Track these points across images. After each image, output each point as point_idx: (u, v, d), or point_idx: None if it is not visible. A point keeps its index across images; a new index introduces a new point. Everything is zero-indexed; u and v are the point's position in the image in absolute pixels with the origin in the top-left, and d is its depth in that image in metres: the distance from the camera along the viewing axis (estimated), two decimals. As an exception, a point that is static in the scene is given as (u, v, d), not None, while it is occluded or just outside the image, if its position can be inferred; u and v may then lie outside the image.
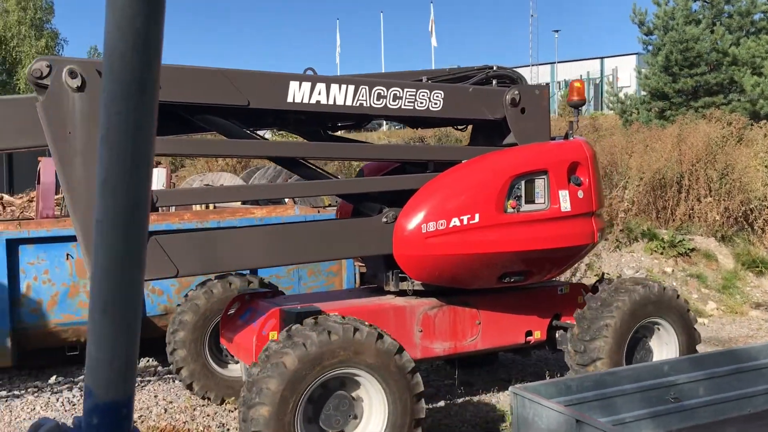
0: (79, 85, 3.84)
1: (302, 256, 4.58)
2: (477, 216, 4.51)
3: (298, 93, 4.36)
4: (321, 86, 4.43)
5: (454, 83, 5.05)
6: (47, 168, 8.20)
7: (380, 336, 4.05)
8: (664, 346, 5.17)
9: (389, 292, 5.11)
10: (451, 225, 4.49)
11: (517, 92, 4.92)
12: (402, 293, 5.07)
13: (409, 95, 4.67)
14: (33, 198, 12.75)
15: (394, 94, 4.63)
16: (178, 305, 5.90)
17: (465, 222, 4.50)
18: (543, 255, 4.78)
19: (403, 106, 4.66)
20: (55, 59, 3.89)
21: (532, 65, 42.11)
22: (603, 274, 6.28)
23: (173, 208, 7.97)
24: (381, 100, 4.59)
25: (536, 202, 4.74)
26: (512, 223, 4.62)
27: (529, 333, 5.41)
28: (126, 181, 1.02)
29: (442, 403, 5.77)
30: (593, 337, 4.85)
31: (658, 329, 5.16)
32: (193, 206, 7.74)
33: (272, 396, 3.76)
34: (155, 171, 11.30)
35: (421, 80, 5.02)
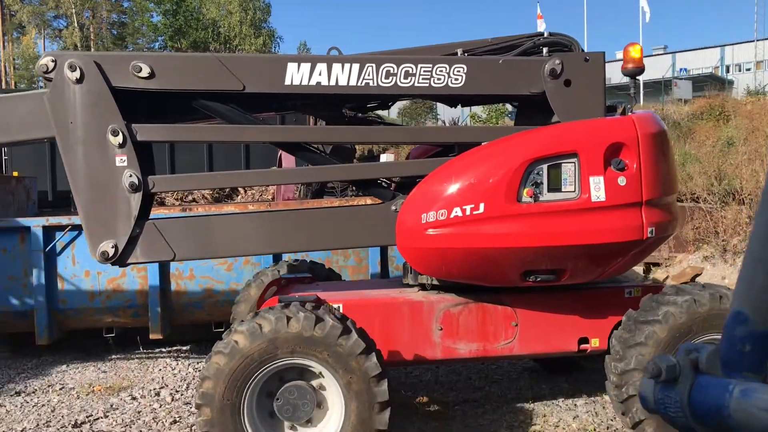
0: (78, 77, 4.02)
1: (299, 244, 4.41)
2: (481, 206, 3.98)
3: (296, 75, 4.17)
4: (321, 67, 4.19)
5: (493, 55, 4.52)
6: (287, 155, 8.79)
7: (346, 331, 3.79)
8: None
9: (411, 286, 4.75)
10: (452, 215, 4.02)
11: (558, 62, 4.25)
12: (423, 287, 4.69)
13: (424, 71, 4.25)
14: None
15: (406, 71, 4.23)
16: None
17: (468, 212, 4.00)
18: (572, 252, 4.10)
19: (416, 84, 4.25)
20: (58, 54, 4.11)
21: (757, 40, 37.24)
22: (695, 276, 5.28)
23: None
24: (390, 78, 4.23)
25: (563, 190, 4.07)
26: (528, 214, 4.01)
27: (584, 340, 4.73)
28: None
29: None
30: (626, 368, 4.11)
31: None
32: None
33: (217, 372, 3.72)
34: (384, 156, 11.74)
35: (456, 54, 4.55)
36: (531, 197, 4.02)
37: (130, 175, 4.07)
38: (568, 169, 4.06)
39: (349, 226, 4.35)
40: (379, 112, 5.54)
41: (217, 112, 4.30)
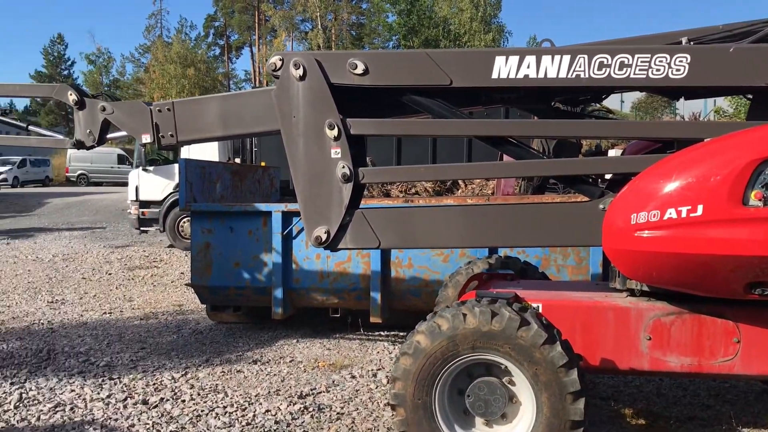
0: (302, 74, 4.37)
1: (498, 239, 4.35)
2: (699, 207, 3.61)
3: (504, 68, 4.13)
4: (530, 59, 4.10)
5: (724, 43, 4.10)
6: None
7: (525, 323, 3.70)
8: None
9: (619, 290, 4.48)
10: (665, 217, 3.70)
11: None
12: (632, 293, 4.39)
13: (642, 62, 3.97)
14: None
15: (621, 62, 3.99)
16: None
17: (684, 214, 3.65)
18: (809, 265, 3.58)
19: (632, 75, 3.99)
20: (285, 54, 4.49)
21: None
22: None
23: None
24: (603, 69, 4.02)
25: (801, 194, 3.56)
26: (755, 219, 3.56)
27: None
28: None
29: None
30: None
31: None
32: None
33: (405, 373, 3.78)
34: (611, 152, 11.61)
35: (680, 42, 4.20)
36: (760, 200, 3.57)
37: (343, 167, 4.33)
38: None
39: (551, 223, 4.22)
40: (609, 106, 5.29)
41: (424, 107, 4.41)
